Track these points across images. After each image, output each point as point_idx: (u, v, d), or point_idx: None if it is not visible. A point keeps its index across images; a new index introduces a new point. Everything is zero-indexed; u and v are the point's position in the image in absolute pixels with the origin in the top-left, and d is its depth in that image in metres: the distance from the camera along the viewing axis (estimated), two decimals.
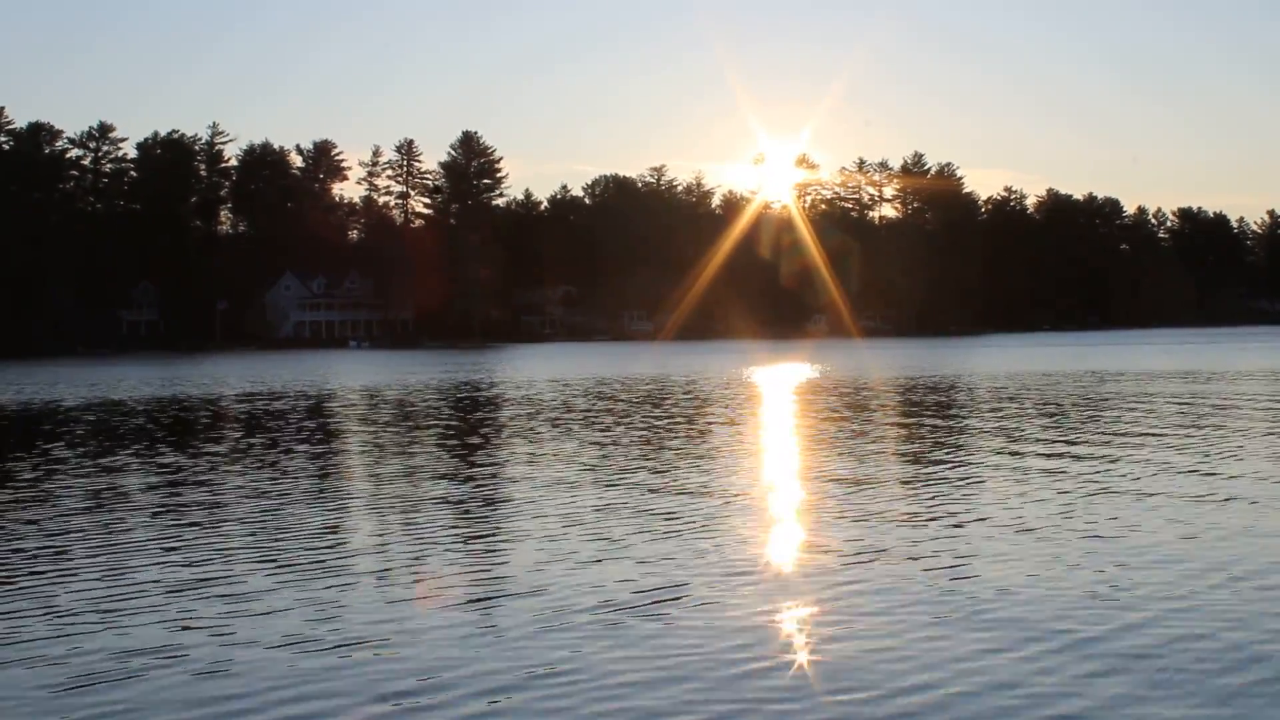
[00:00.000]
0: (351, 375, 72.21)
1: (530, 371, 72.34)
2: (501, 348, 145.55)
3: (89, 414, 41.09)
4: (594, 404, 41.84)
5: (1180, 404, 36.73)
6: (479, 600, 12.25)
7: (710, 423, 33.58)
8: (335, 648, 10.52)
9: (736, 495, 19.31)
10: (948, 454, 24.52)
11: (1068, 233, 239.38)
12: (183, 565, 14.23)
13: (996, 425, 30.74)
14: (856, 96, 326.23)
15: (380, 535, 16.07)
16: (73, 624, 11.46)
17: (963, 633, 10.67)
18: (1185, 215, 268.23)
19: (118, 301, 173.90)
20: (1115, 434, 27.60)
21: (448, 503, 18.86)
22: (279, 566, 14.03)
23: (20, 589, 13.04)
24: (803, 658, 10.05)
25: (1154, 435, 27.15)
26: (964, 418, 33.65)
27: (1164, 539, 14.72)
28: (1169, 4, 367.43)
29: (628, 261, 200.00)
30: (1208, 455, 23.18)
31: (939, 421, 32.49)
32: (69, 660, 10.28)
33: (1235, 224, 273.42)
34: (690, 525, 16.34)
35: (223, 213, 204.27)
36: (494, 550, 14.90)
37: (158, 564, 14.26)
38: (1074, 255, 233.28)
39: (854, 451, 25.52)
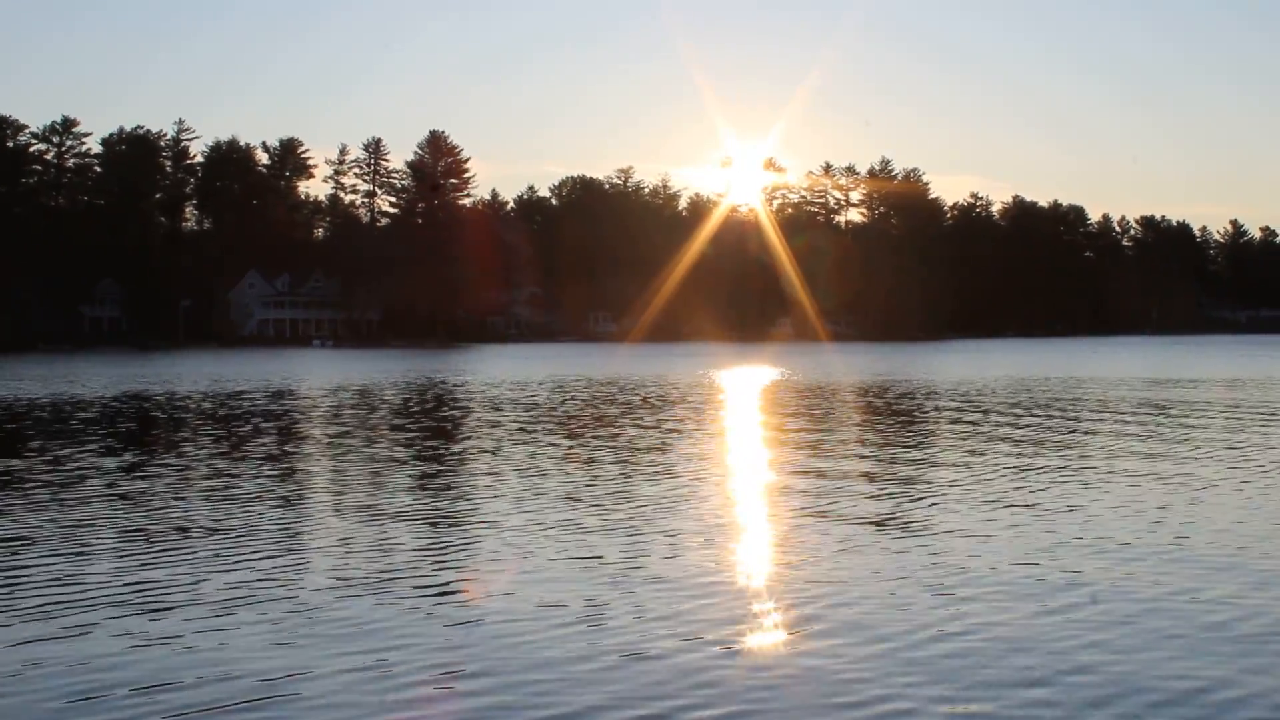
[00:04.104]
0: (319, 375, 71.71)
1: (499, 373, 72.08)
2: (467, 348, 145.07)
3: (53, 411, 40.64)
4: (571, 408, 41.67)
5: (1146, 408, 36.89)
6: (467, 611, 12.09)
7: (684, 427, 33.46)
8: (320, 664, 10.35)
9: (712, 503, 19.19)
10: (924, 461, 24.45)
11: (1033, 240, 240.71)
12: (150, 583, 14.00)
13: (975, 429, 30.74)
14: (824, 100, 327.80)
15: (352, 552, 15.84)
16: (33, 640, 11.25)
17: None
18: (1149, 224, 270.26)
19: (80, 298, 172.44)
20: (1080, 436, 27.65)
21: (429, 515, 18.65)
22: (244, 580, 13.84)
23: None
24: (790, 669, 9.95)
25: (1119, 437, 27.19)
26: (944, 422, 33.66)
27: (1131, 533, 14.71)
28: (1139, 13, 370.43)
29: (594, 263, 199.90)
30: (1174, 453, 23.26)
31: (913, 427, 32.47)
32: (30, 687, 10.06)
33: (1198, 233, 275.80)
34: (672, 535, 16.21)
35: (187, 209, 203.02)
36: (470, 563, 14.72)
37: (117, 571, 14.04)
38: (1038, 262, 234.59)
39: (828, 457, 25.45)
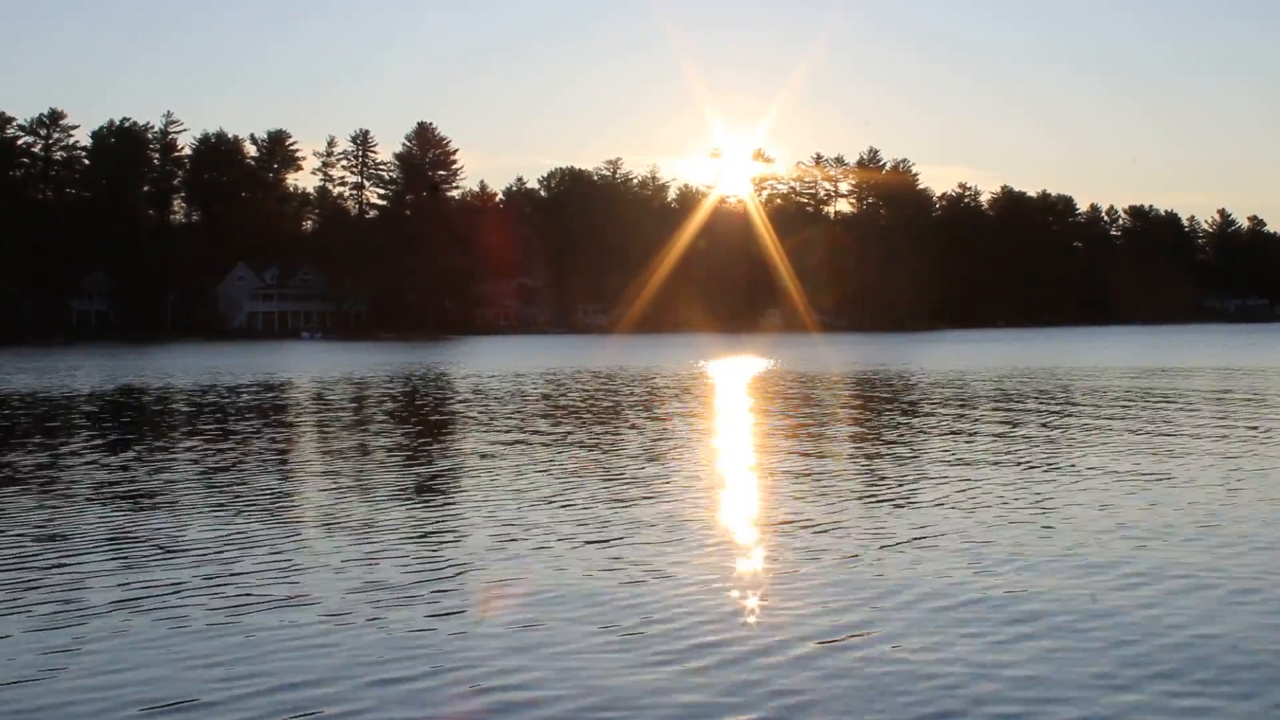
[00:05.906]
0: (313, 367, 71.57)
1: (492, 365, 72.01)
2: (457, 340, 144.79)
3: (50, 405, 40.52)
4: (573, 401, 41.67)
5: (1133, 398, 36.97)
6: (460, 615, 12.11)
7: (686, 420, 33.48)
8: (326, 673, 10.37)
9: (719, 497, 19.24)
10: (927, 453, 24.50)
11: (1021, 230, 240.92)
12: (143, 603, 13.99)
13: (977, 421, 30.82)
14: (813, 91, 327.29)
15: (341, 562, 15.82)
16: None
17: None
18: (1137, 213, 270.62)
19: (68, 291, 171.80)
20: (1066, 425, 27.74)
21: (434, 513, 18.65)
22: (237, 590, 13.84)
23: None
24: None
25: (1108, 427, 27.28)
26: (944, 414, 33.72)
27: (1123, 525, 14.79)
28: (1127, 3, 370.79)
29: (583, 255, 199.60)
30: (1163, 443, 23.35)
31: (912, 418, 32.53)
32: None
33: (1186, 223, 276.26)
34: (673, 536, 16.25)
35: (176, 202, 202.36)
36: (476, 562, 14.73)
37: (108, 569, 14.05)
38: (1027, 252, 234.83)
39: (831, 450, 25.52)
